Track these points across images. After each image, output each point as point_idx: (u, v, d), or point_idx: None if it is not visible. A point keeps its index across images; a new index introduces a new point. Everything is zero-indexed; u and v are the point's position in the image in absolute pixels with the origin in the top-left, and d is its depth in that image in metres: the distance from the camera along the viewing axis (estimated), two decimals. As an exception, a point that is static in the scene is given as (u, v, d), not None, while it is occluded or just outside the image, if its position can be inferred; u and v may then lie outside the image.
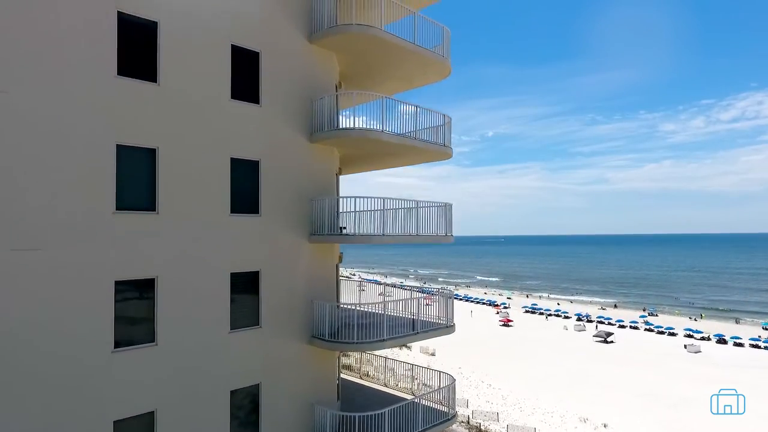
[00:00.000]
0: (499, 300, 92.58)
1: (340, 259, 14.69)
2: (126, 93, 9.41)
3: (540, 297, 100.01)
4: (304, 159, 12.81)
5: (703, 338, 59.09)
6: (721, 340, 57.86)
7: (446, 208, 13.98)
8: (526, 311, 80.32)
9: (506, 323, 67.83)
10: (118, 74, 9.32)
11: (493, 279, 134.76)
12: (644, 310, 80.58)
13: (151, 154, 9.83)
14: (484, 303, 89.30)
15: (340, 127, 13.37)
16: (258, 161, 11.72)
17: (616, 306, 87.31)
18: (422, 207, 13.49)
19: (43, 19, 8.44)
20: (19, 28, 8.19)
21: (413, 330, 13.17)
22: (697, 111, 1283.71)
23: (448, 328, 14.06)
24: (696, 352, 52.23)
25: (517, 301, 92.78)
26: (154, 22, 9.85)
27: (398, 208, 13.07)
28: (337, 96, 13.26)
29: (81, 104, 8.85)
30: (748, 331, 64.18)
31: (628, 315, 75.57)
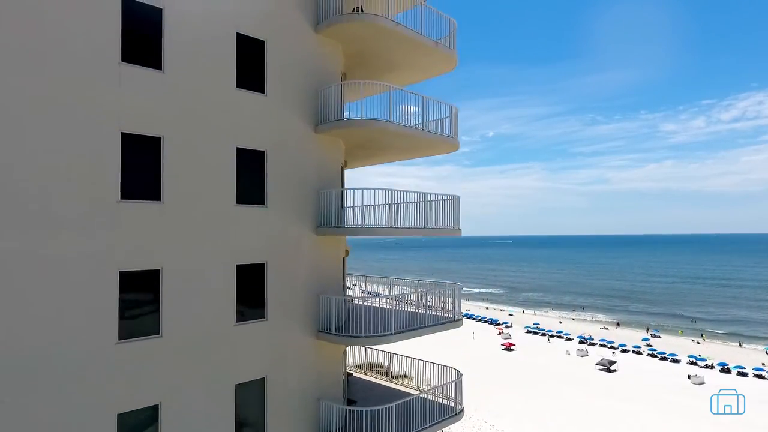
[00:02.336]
0: (500, 317, 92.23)
1: (347, 253, 14.50)
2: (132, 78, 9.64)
3: (535, 313, 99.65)
4: (310, 150, 12.63)
5: (706, 366, 58.66)
6: (725, 369, 57.42)
7: (453, 201, 13.94)
8: (528, 331, 79.95)
9: (508, 347, 67.49)
10: None
11: (495, 291, 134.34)
12: (647, 331, 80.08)
13: (156, 142, 9.86)
14: (485, 321, 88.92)
15: (346, 117, 13.20)
16: (264, 151, 11.64)
17: (618, 324, 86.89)
18: (430, 201, 13.38)
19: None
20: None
21: (421, 324, 13.04)
22: (697, 111, 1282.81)
23: (455, 321, 13.99)
24: (700, 384, 51.80)
25: (519, 319, 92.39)
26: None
27: (405, 202, 12.91)
28: (342, 86, 13.04)
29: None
30: (751, 356, 63.69)
31: (631, 336, 75.16)
